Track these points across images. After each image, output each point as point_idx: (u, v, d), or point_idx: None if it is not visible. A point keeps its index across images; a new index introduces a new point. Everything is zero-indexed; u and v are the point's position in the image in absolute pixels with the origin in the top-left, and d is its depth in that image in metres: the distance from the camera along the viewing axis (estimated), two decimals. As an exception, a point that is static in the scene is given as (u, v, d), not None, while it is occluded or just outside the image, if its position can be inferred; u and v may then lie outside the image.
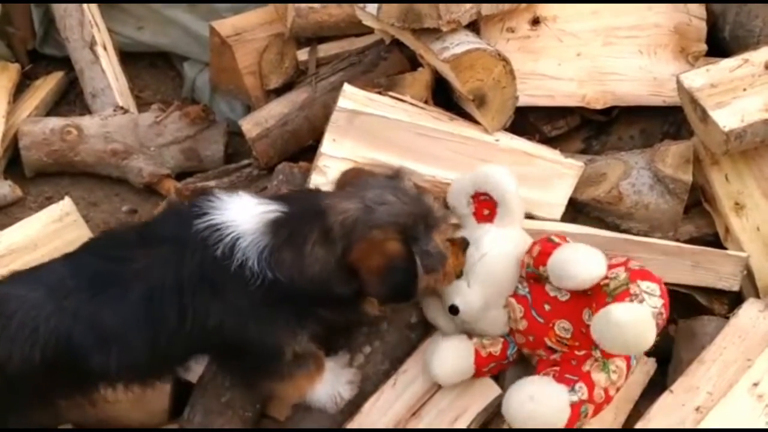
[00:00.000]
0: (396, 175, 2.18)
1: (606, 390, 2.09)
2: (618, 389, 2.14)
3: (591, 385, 2.08)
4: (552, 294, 2.20)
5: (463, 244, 2.24)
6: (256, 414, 2.46)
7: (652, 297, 2.07)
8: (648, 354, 2.38)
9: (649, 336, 1.99)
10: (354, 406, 2.36)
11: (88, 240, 2.36)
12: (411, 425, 2.31)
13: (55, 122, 3.17)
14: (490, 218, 2.30)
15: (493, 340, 2.29)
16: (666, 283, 2.36)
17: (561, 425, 2.05)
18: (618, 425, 2.25)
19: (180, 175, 3.16)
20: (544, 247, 2.19)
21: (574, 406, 2.05)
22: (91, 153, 3.15)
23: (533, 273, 2.22)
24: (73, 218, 2.82)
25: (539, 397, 2.07)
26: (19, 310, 2.13)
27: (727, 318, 2.35)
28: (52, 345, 2.10)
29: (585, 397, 2.07)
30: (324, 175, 2.39)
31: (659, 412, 2.17)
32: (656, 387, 2.34)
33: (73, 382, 2.19)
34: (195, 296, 2.09)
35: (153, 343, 2.11)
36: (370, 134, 2.42)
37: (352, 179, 2.21)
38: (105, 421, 2.54)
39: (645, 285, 2.08)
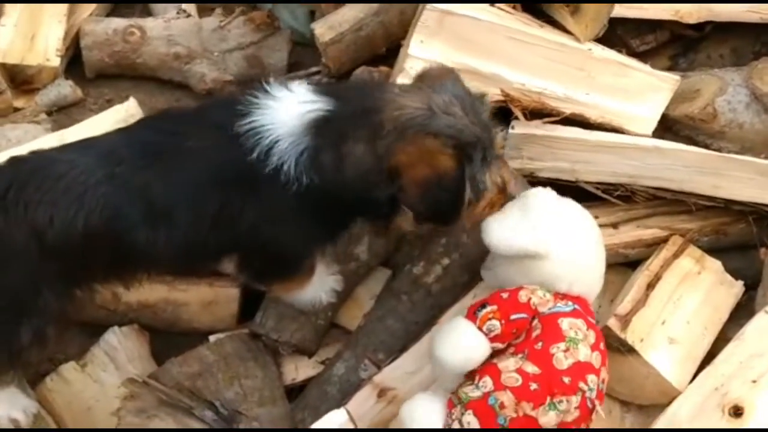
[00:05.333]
0: (480, 95, 2.03)
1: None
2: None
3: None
4: None
5: (507, 191, 2.07)
6: (327, 321, 2.42)
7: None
8: (736, 277, 2.32)
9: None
10: (431, 316, 2.31)
11: (143, 117, 2.30)
12: (488, 339, 2.25)
13: (118, 23, 3.07)
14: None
15: None
16: (761, 204, 2.31)
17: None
18: (707, 346, 2.20)
19: (242, 83, 3.07)
20: None
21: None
22: (153, 56, 3.06)
23: None
24: (137, 119, 2.75)
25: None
26: (66, 173, 2.02)
27: (825, 242, 2.28)
28: (98, 212, 2.00)
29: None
30: (410, 78, 2.30)
31: (754, 332, 2.11)
32: (743, 311, 2.28)
33: (113, 259, 2.09)
34: (232, 192, 2.02)
35: (195, 226, 2.04)
36: (460, 36, 2.32)
37: (434, 79, 2.04)
38: (174, 323, 2.51)
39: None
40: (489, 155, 1.97)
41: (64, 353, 2.46)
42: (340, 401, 2.25)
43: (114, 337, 2.41)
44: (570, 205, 2.16)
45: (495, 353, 1.98)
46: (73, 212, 1.98)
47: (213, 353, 2.33)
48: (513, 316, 1.97)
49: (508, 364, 1.93)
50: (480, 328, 1.97)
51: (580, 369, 1.90)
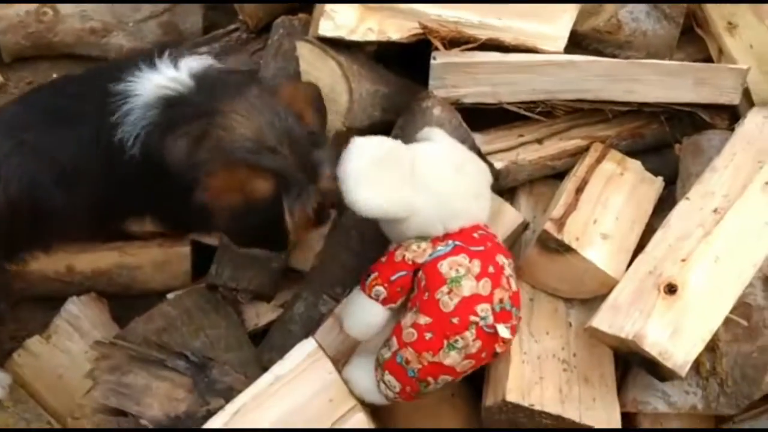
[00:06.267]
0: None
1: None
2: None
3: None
4: None
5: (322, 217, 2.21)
6: (281, 265, 2.50)
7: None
8: (655, 174, 2.49)
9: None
10: (382, 245, 2.41)
11: (39, 85, 2.35)
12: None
13: (30, 5, 3.06)
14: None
15: None
16: (670, 104, 2.48)
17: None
18: (636, 238, 2.33)
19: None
20: None
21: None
22: (69, 32, 3.06)
23: None
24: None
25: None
26: None
27: (732, 130, 2.45)
28: (16, 182, 2.05)
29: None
30: (332, 20, 2.38)
31: (678, 218, 2.26)
32: (665, 204, 2.44)
33: (36, 226, 2.13)
34: (100, 154, 2.09)
35: (91, 185, 2.11)
36: (374, -25, 2.41)
37: (292, 99, 2.10)
38: (129, 286, 2.56)
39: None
40: (305, 192, 2.06)
41: (26, 330, 2.51)
42: (305, 337, 2.32)
43: (74, 306, 2.46)
44: (420, 143, 2.23)
45: (402, 310, 2.11)
46: None
47: (174, 308, 2.40)
48: (393, 277, 2.08)
49: (407, 321, 2.05)
50: (370, 296, 2.10)
51: (467, 304, 2.01)
